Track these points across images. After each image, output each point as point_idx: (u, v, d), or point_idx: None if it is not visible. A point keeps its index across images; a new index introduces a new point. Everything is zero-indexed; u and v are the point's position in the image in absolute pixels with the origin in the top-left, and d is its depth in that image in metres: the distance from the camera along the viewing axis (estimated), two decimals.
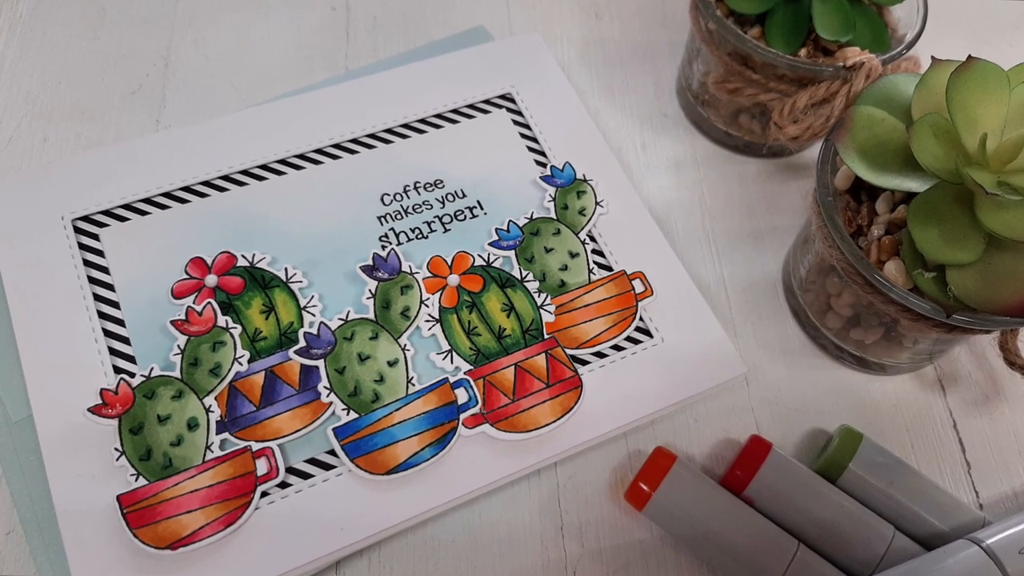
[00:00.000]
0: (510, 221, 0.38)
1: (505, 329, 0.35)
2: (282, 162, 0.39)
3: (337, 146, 0.40)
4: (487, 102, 0.42)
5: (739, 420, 0.36)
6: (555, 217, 0.39)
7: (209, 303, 0.35)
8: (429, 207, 0.39)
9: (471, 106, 0.42)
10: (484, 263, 0.37)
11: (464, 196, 0.39)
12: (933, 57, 0.32)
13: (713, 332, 0.36)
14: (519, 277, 0.37)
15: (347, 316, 0.35)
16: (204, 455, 0.32)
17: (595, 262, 0.38)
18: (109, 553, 0.30)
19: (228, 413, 0.33)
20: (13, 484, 0.32)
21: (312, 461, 0.32)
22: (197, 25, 0.46)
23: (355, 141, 0.40)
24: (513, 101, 0.43)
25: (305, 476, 0.32)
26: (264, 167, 0.39)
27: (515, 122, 0.42)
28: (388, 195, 0.39)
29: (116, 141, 0.42)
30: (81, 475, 0.31)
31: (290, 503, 0.31)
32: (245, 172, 0.39)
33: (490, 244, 0.38)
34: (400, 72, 0.43)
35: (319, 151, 0.40)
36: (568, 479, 0.35)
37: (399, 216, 0.39)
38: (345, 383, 0.33)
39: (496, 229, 0.38)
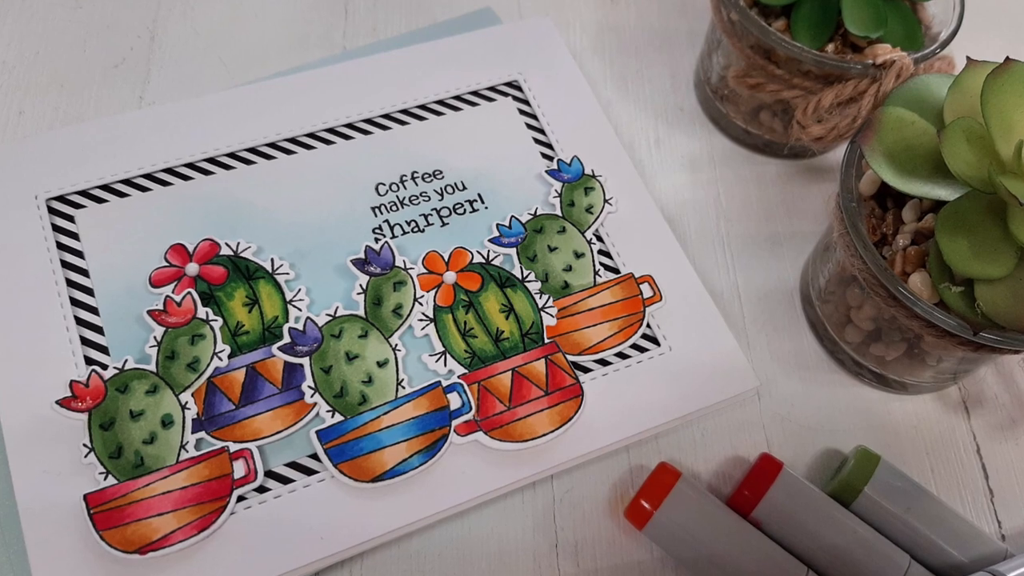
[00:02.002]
0: (512, 217, 0.38)
1: (503, 331, 0.36)
2: (272, 146, 0.39)
3: (331, 130, 0.40)
4: (492, 89, 0.42)
5: (749, 437, 0.36)
6: (560, 214, 0.39)
7: (189, 293, 0.35)
8: (427, 199, 0.39)
9: (475, 93, 0.42)
10: (483, 260, 0.37)
11: (464, 188, 0.40)
12: (968, 57, 0.32)
13: (725, 342, 0.37)
14: (520, 277, 0.37)
15: (335, 312, 0.35)
16: (178, 455, 0.32)
17: (601, 263, 0.38)
18: (74, 555, 0.30)
19: (205, 411, 0.33)
20: None
21: (293, 465, 0.32)
22: None
23: (350, 126, 0.40)
24: (520, 89, 0.43)
25: (285, 481, 0.32)
26: (252, 150, 0.39)
27: (521, 111, 0.42)
28: (383, 185, 0.39)
29: (96, 117, 0.42)
30: (47, 472, 0.31)
31: (268, 509, 0.31)
32: (232, 155, 0.39)
33: (490, 240, 0.38)
34: (401, 54, 0.43)
35: (311, 135, 0.40)
36: (565, 493, 0.35)
37: (394, 207, 0.39)
38: (331, 383, 0.33)
39: (497, 225, 0.38)
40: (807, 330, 0.39)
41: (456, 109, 0.42)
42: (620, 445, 0.34)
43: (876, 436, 0.37)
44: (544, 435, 0.33)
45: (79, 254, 0.36)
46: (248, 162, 0.39)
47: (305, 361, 0.34)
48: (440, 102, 0.42)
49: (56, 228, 0.36)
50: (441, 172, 0.40)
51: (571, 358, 0.35)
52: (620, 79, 0.46)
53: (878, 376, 0.37)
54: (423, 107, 0.41)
